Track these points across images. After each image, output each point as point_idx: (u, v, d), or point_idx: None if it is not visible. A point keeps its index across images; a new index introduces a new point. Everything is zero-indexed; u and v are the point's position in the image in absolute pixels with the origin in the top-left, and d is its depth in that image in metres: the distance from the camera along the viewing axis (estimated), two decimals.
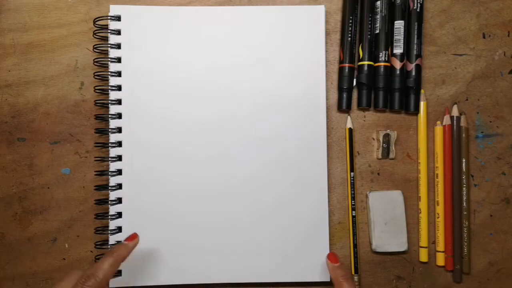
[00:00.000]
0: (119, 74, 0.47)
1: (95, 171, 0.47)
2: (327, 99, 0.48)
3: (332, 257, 0.45)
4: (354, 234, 0.48)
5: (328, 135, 0.48)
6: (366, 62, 0.48)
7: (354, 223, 0.48)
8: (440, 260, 0.48)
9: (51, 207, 0.48)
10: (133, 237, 0.42)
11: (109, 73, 0.47)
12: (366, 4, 0.48)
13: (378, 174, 0.49)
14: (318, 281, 0.47)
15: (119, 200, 0.46)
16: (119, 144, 0.47)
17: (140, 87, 0.47)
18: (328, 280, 0.47)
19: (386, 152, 0.49)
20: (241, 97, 0.47)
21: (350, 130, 0.48)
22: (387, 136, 0.49)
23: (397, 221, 0.48)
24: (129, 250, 0.41)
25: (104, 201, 0.47)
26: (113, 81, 0.47)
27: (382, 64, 0.48)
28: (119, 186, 0.47)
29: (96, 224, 0.47)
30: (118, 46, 0.47)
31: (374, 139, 0.49)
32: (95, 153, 0.48)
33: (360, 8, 0.48)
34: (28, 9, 0.49)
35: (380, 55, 0.48)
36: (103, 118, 0.47)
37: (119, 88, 0.47)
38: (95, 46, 0.48)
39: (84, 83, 0.49)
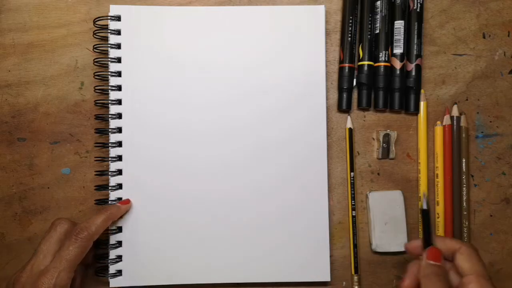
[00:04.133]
0: (119, 74, 0.47)
1: (95, 171, 0.47)
2: (327, 99, 0.48)
3: (434, 254, 0.35)
4: (354, 234, 0.48)
5: (328, 135, 0.48)
6: (366, 62, 0.48)
7: (354, 223, 0.48)
8: None
9: (51, 207, 0.48)
10: (126, 202, 0.46)
11: (109, 73, 0.47)
12: (366, 4, 0.48)
13: (378, 174, 0.49)
14: (318, 281, 0.47)
15: (119, 200, 0.46)
16: (119, 144, 0.47)
17: (140, 87, 0.47)
18: (329, 279, 0.47)
19: (386, 152, 0.49)
20: (241, 97, 0.47)
21: (350, 130, 0.48)
22: (387, 136, 0.48)
23: (397, 221, 0.48)
24: (121, 212, 0.45)
25: (104, 201, 0.47)
26: (113, 81, 0.47)
27: (382, 64, 0.48)
28: (119, 186, 0.47)
29: None
30: (118, 46, 0.47)
31: (374, 139, 0.49)
32: (95, 153, 0.48)
33: (360, 8, 0.48)
34: (28, 9, 0.49)
35: (380, 55, 0.48)
36: (103, 118, 0.47)
37: (119, 88, 0.47)
38: (95, 46, 0.47)
39: (84, 83, 0.49)
